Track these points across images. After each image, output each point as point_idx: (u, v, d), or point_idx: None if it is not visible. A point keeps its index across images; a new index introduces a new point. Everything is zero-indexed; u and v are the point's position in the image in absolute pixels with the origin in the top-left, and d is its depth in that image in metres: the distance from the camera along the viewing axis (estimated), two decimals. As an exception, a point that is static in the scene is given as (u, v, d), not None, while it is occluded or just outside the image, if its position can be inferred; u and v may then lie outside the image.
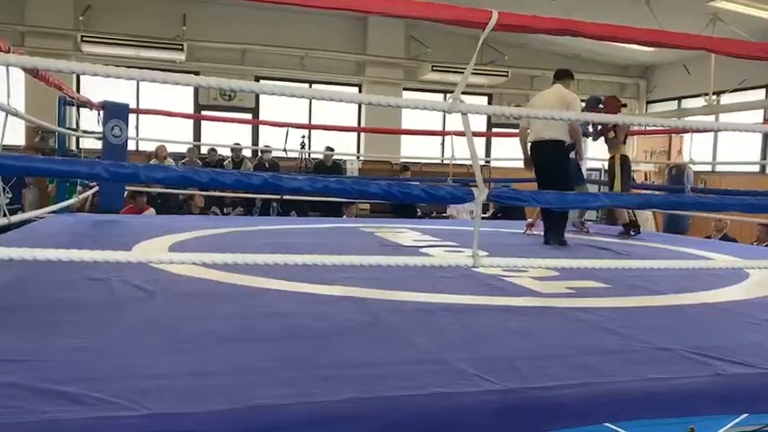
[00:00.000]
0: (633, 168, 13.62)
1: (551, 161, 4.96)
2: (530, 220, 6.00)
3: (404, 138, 12.32)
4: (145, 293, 2.61)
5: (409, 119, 12.23)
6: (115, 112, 5.80)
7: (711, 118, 10.98)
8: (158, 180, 1.90)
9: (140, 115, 9.89)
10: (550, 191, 2.91)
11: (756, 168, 11.13)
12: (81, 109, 6.60)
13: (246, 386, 1.58)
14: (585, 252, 4.81)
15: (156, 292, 2.63)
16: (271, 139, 10.93)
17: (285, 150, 9.26)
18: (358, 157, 12.07)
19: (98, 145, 6.03)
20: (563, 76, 5.27)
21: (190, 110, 11.57)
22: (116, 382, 1.56)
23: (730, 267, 3.50)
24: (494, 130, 12.52)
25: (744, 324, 2.57)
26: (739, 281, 3.49)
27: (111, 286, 2.70)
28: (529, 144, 5.14)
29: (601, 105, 5.77)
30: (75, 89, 9.23)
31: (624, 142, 5.80)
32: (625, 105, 6.31)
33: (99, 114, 5.88)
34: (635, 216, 5.90)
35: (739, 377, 1.84)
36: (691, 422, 1.74)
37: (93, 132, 6.59)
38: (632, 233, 5.71)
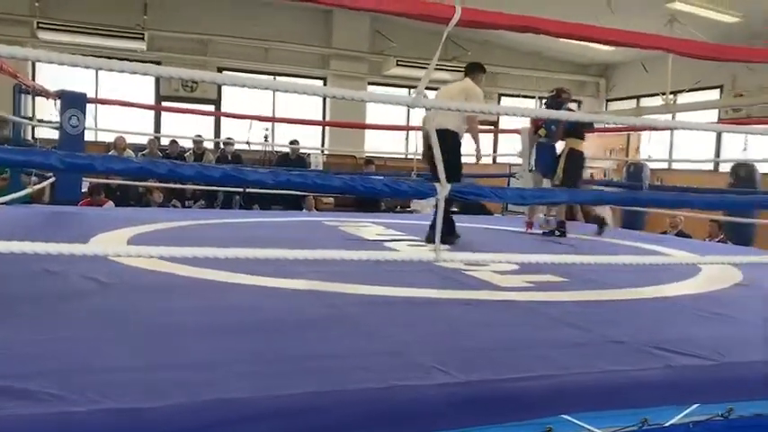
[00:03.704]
0: (592, 165, 13.87)
1: (444, 149, 4.80)
2: (527, 218, 5.98)
3: (368, 132, 12.31)
4: (103, 287, 2.56)
5: (374, 113, 12.22)
6: (73, 102, 5.68)
7: (668, 116, 11.26)
8: (116, 171, 1.86)
9: (100, 105, 9.66)
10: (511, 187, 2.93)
11: (710, 166, 11.44)
12: (37, 98, 6.43)
13: (207, 380, 1.57)
14: (544, 247, 4.89)
15: (114, 286, 2.59)
16: (233, 131, 10.82)
17: (248, 143, 9.18)
18: (322, 151, 12.02)
19: (55, 135, 5.89)
20: (472, 70, 5.10)
21: (151, 101, 11.36)
22: (72, 376, 1.53)
23: (683, 263, 3.60)
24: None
25: (695, 317, 2.65)
26: (692, 275, 3.59)
27: (68, 279, 2.64)
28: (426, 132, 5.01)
29: (565, 106, 5.72)
30: (30, 78, 8.98)
31: (577, 136, 5.67)
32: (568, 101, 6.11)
33: (56, 104, 5.74)
34: (566, 217, 5.73)
35: (689, 369, 1.89)
36: (644, 413, 1.78)
37: (49, 122, 6.44)
38: (557, 233, 5.57)
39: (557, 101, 5.86)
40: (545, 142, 5.85)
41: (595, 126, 10.05)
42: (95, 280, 2.64)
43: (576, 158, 5.66)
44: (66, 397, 1.40)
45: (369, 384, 1.61)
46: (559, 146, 5.79)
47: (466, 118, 4.85)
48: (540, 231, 5.76)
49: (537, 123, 5.86)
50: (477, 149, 5.14)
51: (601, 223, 5.91)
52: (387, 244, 4.47)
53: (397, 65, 12.14)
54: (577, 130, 5.69)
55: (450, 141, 4.75)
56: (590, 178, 12.35)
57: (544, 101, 6.19)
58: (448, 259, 2.25)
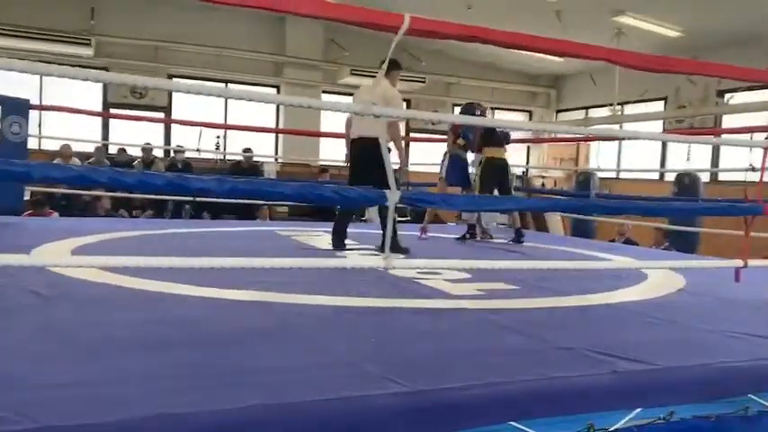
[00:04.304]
0: (544, 175, 14.09)
1: (370, 158, 4.37)
2: (423, 224, 6.06)
3: (324, 140, 12.25)
4: (41, 299, 2.47)
5: (329, 121, 12.17)
6: (14, 109, 5.49)
7: (616, 127, 11.57)
8: (55, 180, 1.79)
9: (44, 112, 9.38)
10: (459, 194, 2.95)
11: (656, 176, 11.78)
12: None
13: (147, 395, 1.52)
14: (495, 254, 4.94)
15: (54, 298, 2.50)
16: (184, 139, 10.61)
17: (198, 151, 9.02)
18: (276, 160, 11.91)
19: (-5, 143, 5.68)
20: (389, 68, 4.75)
21: (98, 107, 11.07)
22: (9, 393, 1.47)
23: (630, 269, 3.68)
24: (411, 135, 12.67)
25: (640, 323, 2.71)
26: (638, 282, 3.67)
27: (6, 292, 2.54)
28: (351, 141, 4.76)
29: (478, 113, 5.87)
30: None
31: (494, 144, 5.84)
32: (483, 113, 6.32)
33: (-4, 110, 5.53)
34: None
35: (633, 374, 1.93)
36: (590, 418, 1.80)
37: (-12, 129, 6.20)
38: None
39: (469, 108, 6.06)
40: (456, 153, 5.98)
41: (543, 136, 10.26)
42: (36, 293, 2.54)
43: (493, 166, 5.82)
44: (1, 416, 1.33)
45: (317, 396, 1.59)
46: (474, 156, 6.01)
47: (387, 124, 4.58)
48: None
49: (456, 133, 5.98)
50: (401, 157, 4.83)
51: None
52: (340, 253, 4.45)
53: (351, 74, 12.13)
54: (495, 140, 5.87)
55: (377, 150, 4.39)
56: (541, 187, 12.62)
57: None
58: (398, 267, 2.25)
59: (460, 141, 5.93)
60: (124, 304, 2.54)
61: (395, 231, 4.61)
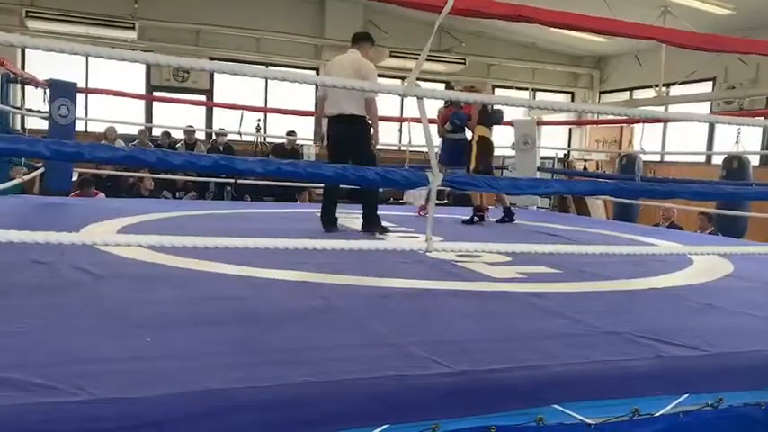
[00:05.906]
0: (586, 158, 13.83)
1: (355, 137, 4.43)
2: (421, 203, 6.10)
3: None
4: (91, 277, 2.55)
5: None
6: (62, 91, 5.62)
7: (661, 108, 11.27)
8: (104, 160, 1.83)
9: (90, 95, 9.59)
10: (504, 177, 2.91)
11: (702, 159, 11.47)
12: (28, 88, 6.36)
13: (195, 370, 1.55)
14: (536, 238, 4.89)
15: (102, 276, 2.57)
16: (225, 122, 10.74)
17: (240, 134, 9.13)
18: (315, 143, 11.95)
19: (44, 125, 5.84)
20: (360, 39, 4.61)
21: (141, 91, 11.26)
22: (57, 367, 1.51)
23: (674, 253, 3.60)
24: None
25: (686, 308, 2.65)
26: (683, 267, 3.59)
27: (56, 269, 2.63)
28: (327, 118, 4.58)
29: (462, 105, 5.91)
30: (20, 67, 8.89)
31: (485, 124, 5.81)
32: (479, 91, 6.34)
33: (45, 93, 5.68)
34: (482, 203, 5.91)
35: (680, 359, 1.89)
36: (635, 403, 1.78)
37: (38, 111, 6.38)
38: (476, 220, 5.73)
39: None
40: (451, 136, 6.04)
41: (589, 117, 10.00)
42: (84, 270, 2.62)
43: (488, 146, 5.85)
44: (51, 386, 1.38)
45: (361, 375, 1.60)
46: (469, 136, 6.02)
47: (366, 100, 4.39)
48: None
49: (443, 119, 6.09)
50: (375, 135, 4.61)
51: (508, 212, 6.06)
52: (379, 235, 4.46)
53: (391, 56, 12.07)
54: (488, 120, 5.88)
55: (360, 128, 4.44)
56: (583, 170, 12.40)
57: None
58: (439, 249, 2.24)
59: (447, 127, 6.04)
60: (171, 282, 2.60)
61: (375, 209, 4.59)
